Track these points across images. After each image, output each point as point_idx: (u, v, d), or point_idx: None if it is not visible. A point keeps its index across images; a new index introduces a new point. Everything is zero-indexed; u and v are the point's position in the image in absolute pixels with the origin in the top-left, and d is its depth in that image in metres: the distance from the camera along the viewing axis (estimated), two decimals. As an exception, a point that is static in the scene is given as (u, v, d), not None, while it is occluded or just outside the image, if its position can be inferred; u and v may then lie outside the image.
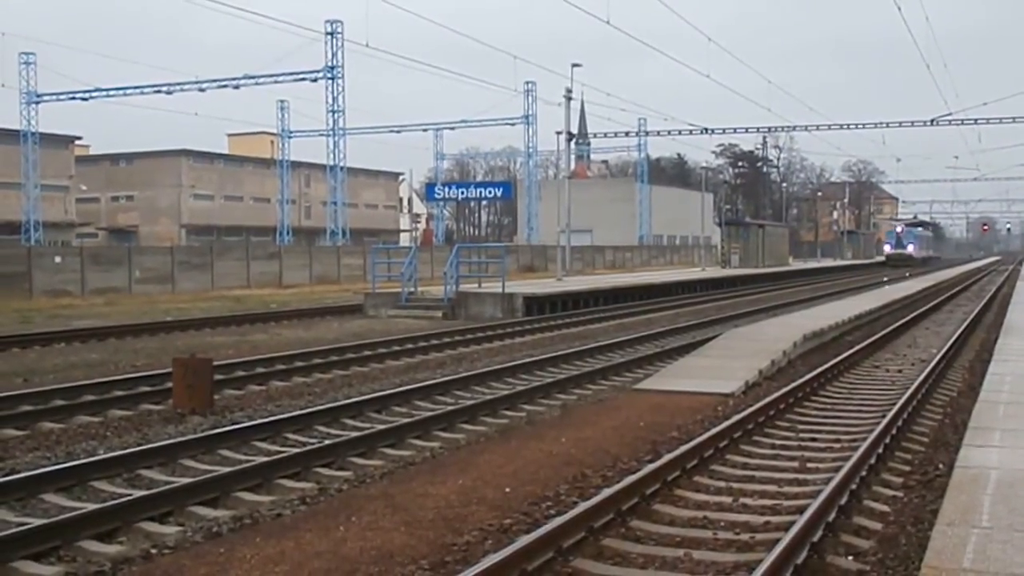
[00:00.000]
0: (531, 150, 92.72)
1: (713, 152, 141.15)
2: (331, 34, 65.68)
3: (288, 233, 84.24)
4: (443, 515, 8.92)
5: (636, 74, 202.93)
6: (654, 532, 8.57)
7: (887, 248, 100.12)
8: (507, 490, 9.77)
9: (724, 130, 66.92)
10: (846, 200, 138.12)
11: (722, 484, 10.23)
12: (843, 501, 9.05)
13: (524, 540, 7.56)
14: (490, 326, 27.83)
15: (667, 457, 10.47)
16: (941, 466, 10.75)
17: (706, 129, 62.12)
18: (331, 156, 72.27)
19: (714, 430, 11.91)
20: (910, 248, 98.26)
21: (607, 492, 8.97)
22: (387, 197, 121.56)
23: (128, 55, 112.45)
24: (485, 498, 9.47)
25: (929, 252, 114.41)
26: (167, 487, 9.73)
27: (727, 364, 18.01)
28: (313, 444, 12.00)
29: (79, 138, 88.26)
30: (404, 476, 10.57)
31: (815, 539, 7.98)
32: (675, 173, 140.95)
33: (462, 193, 48.46)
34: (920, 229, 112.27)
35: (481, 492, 9.68)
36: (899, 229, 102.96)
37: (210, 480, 9.94)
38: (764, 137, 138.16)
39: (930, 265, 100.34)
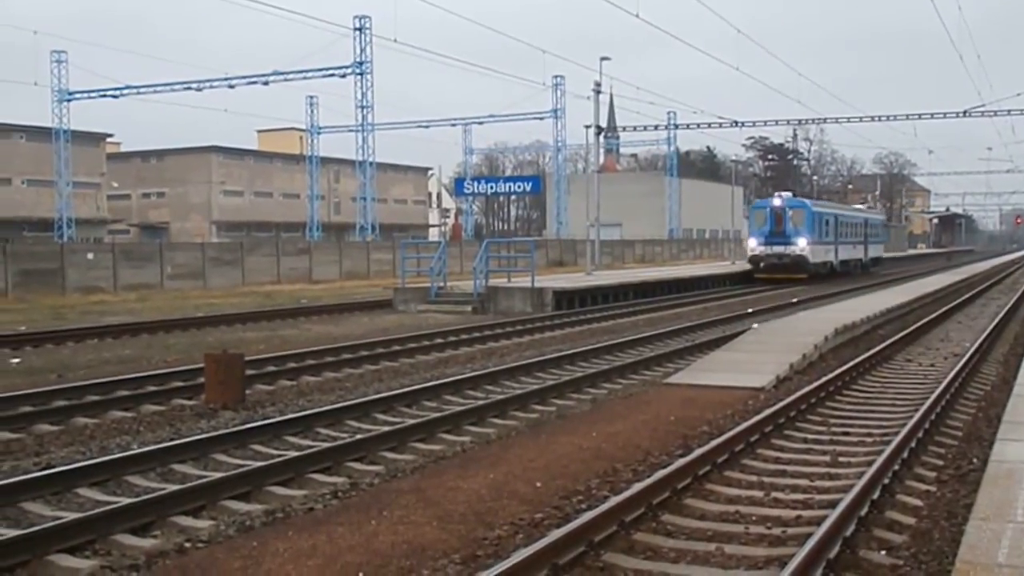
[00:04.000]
0: (560, 144, 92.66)
1: (743, 145, 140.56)
2: (359, 30, 65.79)
3: (317, 229, 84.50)
4: (474, 509, 8.93)
5: (665, 67, 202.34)
6: (685, 526, 8.55)
7: (751, 244, 50.53)
8: (538, 484, 9.78)
9: (754, 123, 66.13)
10: (877, 193, 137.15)
11: (753, 478, 10.20)
12: (876, 495, 9.00)
13: (555, 534, 7.56)
14: (520, 320, 27.84)
15: (698, 451, 10.44)
16: (975, 460, 10.68)
17: (736, 122, 61.87)
18: (360, 152, 72.48)
19: (745, 424, 11.87)
20: (801, 243, 48.41)
21: (638, 486, 8.95)
22: (416, 192, 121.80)
23: (158, 53, 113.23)
24: (516, 492, 9.48)
25: (864, 253, 61.80)
26: (200, 481, 9.80)
27: (757, 358, 17.94)
28: (344, 439, 12.05)
29: (110, 135, 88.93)
30: (435, 470, 10.59)
31: (848, 533, 7.94)
32: (705, 166, 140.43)
33: (491, 188, 48.56)
34: (830, 205, 62.54)
35: (512, 486, 9.69)
36: (776, 202, 50.89)
37: (242, 474, 10.00)
38: (794, 130, 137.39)
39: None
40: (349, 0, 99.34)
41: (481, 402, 14.61)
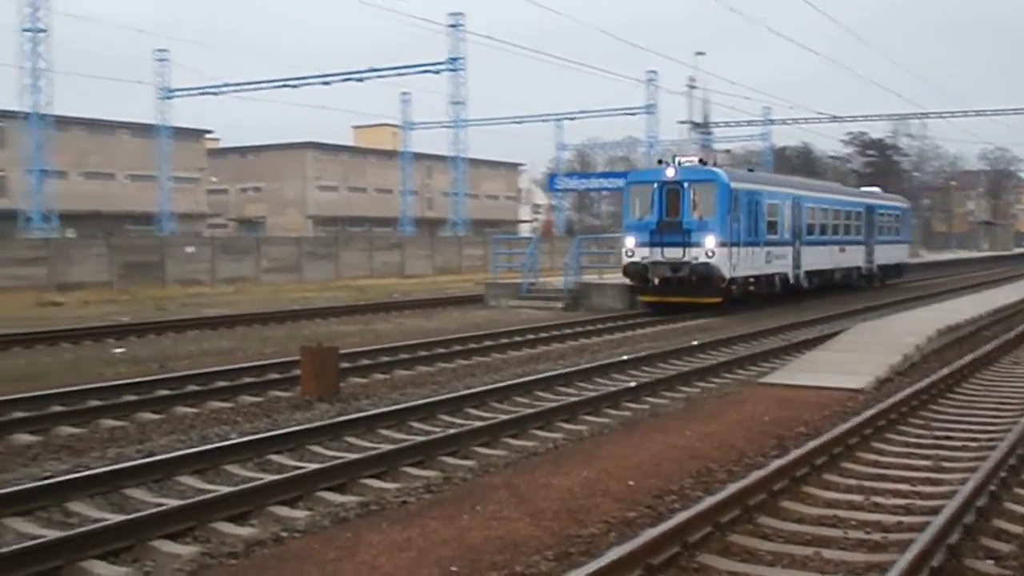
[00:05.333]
0: (652, 140, 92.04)
1: (841, 141, 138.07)
2: (454, 26, 66.13)
3: (410, 224, 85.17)
4: (567, 506, 8.89)
5: (761, 61, 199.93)
6: (782, 529, 8.41)
7: (628, 244, 29.91)
8: (631, 483, 9.70)
9: (853, 118, 65.51)
10: (982, 189, 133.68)
11: (852, 482, 9.99)
12: (981, 502, 8.75)
13: (649, 534, 7.48)
14: (611, 317, 27.73)
15: (795, 453, 10.26)
16: (1085, 468, 10.31)
17: (834, 117, 60.90)
18: (453, 147, 72.84)
19: (844, 426, 11.64)
20: (708, 243, 28.41)
21: (733, 487, 8.82)
22: (507, 188, 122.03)
23: (255, 50, 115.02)
24: (609, 490, 9.42)
25: (866, 258, 41.56)
26: (296, 472, 9.92)
27: (856, 358, 17.60)
28: (437, 433, 12.10)
29: (210, 132, 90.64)
30: (527, 466, 10.58)
31: (952, 541, 7.73)
32: (801, 163, 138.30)
33: (583, 184, 48.32)
34: (783, 181, 38.44)
35: (605, 484, 9.63)
36: (669, 172, 29.50)
37: (338, 466, 10.10)
38: (895, 125, 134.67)
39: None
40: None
41: (573, 399, 14.55)
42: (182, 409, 13.80)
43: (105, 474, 9.75)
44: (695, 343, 21.07)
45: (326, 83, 67.70)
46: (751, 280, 30.60)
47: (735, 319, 27.48)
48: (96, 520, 8.64)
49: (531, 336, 22.82)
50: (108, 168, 78.42)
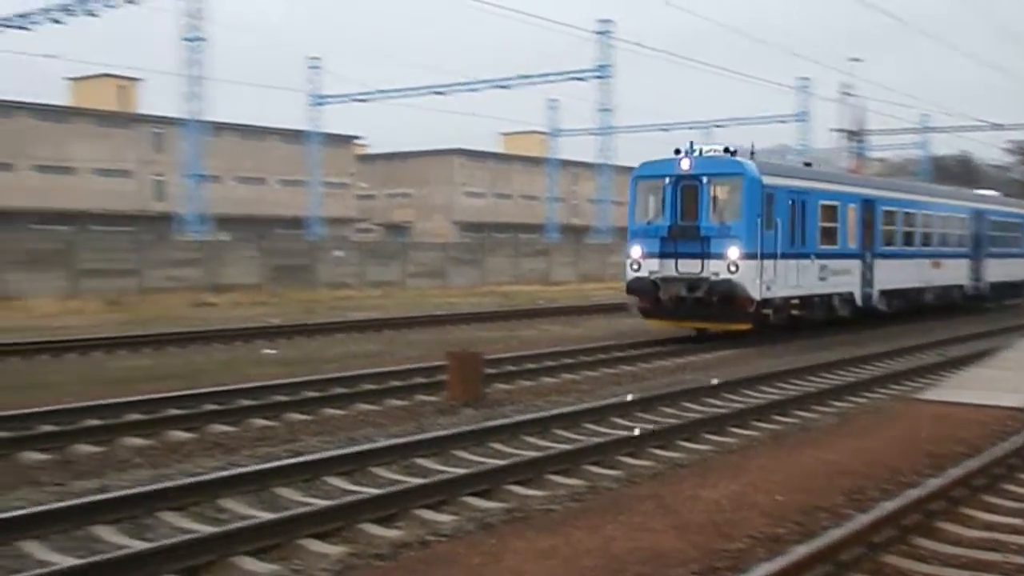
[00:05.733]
0: (804, 147, 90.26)
1: (1003, 149, 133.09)
2: (602, 33, 66.07)
3: (555, 230, 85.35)
4: (713, 520, 8.73)
5: (917, 67, 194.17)
6: (939, 552, 8.09)
7: (633, 254, 24.04)
8: (779, 498, 9.48)
9: (1016, 125, 63.02)
10: None
11: (1013, 505, 9.56)
12: None
13: (799, 551, 7.28)
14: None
15: (953, 473, 9.87)
16: None
17: (996, 125, 58.72)
18: (600, 154, 72.76)
19: (1004, 446, 11.16)
20: (731, 254, 22.42)
21: (888, 506, 8.53)
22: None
23: (403, 57, 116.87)
24: (756, 504, 9.21)
25: (973, 273, 34.59)
26: (442, 477, 9.99)
27: (1017, 376, 16.88)
28: (582, 441, 12.05)
29: (359, 138, 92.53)
30: (674, 478, 10.44)
31: (1125, 571, 7.32)
32: (960, 171, 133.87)
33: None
34: (845, 179, 30.99)
35: (752, 498, 9.43)
36: (684, 164, 23.24)
37: (483, 472, 10.14)
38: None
39: None
40: (592, 2, 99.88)
41: (720, 411, 14.33)
42: (330, 411, 14.07)
43: (255, 472, 10.01)
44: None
45: (474, 90, 68.39)
46: (794, 301, 24.48)
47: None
48: (246, 517, 8.86)
49: (676, 346, 22.59)
50: (260, 173, 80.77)
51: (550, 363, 18.94)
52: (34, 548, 7.95)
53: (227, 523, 8.61)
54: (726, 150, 23.53)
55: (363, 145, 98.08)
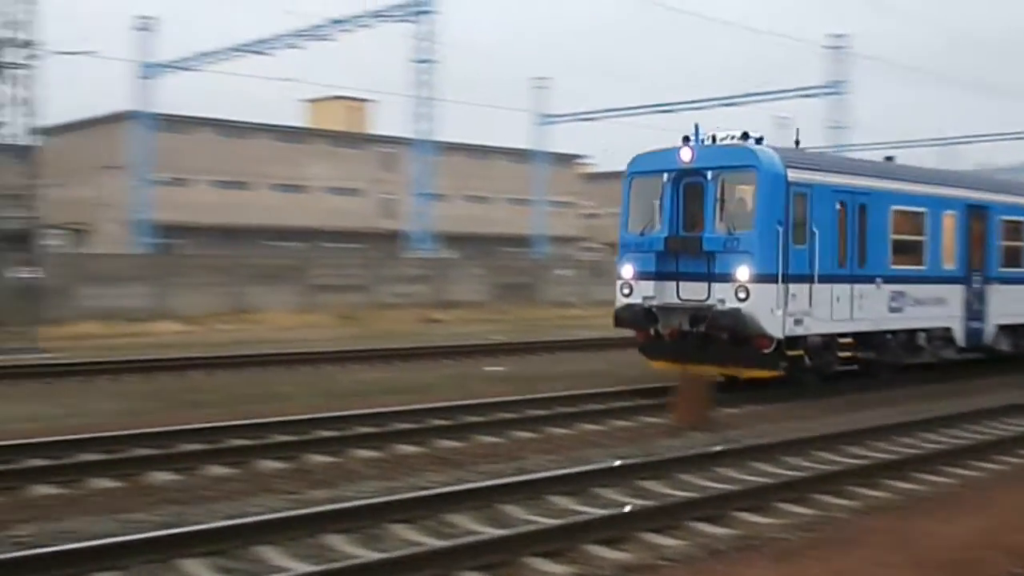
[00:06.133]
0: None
1: None
2: (835, 48, 64.32)
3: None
4: (954, 557, 8.28)
5: None
6: None
7: (623, 275, 18.61)
8: (1030, 538, 8.88)
9: None
10: None
11: None
12: None
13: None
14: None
15: None
16: None
17: None
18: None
19: None
20: (740, 275, 16.85)
21: None
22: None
23: (628, 75, 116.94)
24: (1004, 544, 8.66)
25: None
26: (668, 500, 9.82)
27: None
28: (812, 469, 11.64)
29: (583, 156, 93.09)
30: (911, 511, 9.94)
31: None
32: None
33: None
34: (909, 171, 21.85)
35: (999, 537, 8.87)
36: (684, 154, 17.90)
37: (711, 497, 9.93)
38: None
39: None
40: (823, 16, 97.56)
41: (960, 442, 13.59)
42: (554, 430, 14.10)
43: (481, 488, 10.09)
44: None
45: (700, 108, 67.74)
46: (847, 340, 18.36)
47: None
48: (471, 532, 8.93)
49: (914, 374, 21.55)
50: (486, 192, 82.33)
51: (780, 389, 18.38)
52: (270, 553, 8.24)
53: (453, 537, 8.70)
54: (744, 136, 17.88)
55: (587, 164, 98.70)
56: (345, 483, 10.85)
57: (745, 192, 17.62)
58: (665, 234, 17.90)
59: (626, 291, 18.36)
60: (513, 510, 9.76)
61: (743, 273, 16.79)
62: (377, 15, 49.09)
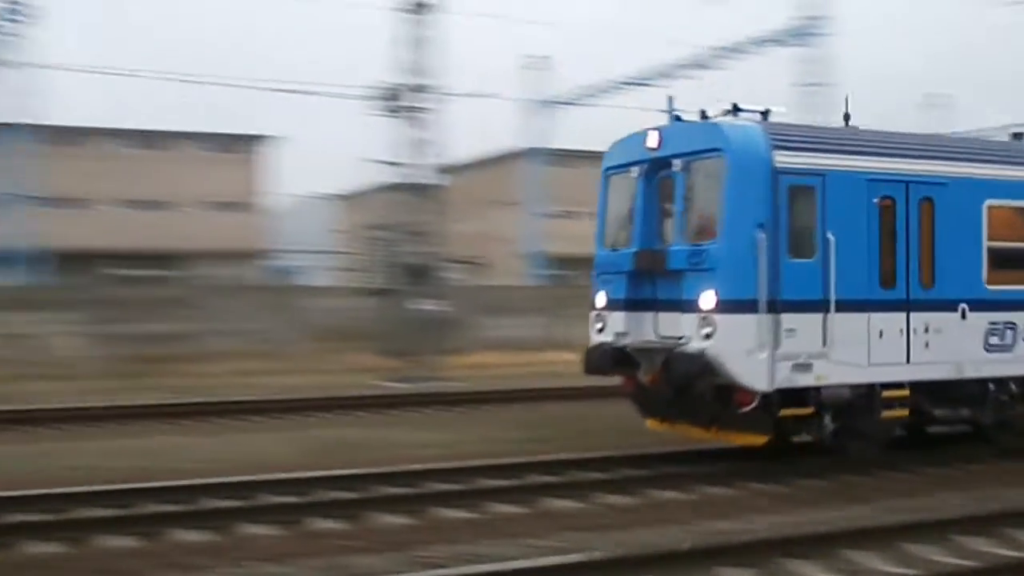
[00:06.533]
0: None
1: None
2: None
3: None
4: None
5: None
6: None
7: (598, 301, 14.04)
8: None
9: None
10: None
11: None
12: None
13: None
14: None
15: None
16: None
17: None
18: None
19: None
20: (704, 302, 12.38)
21: None
22: None
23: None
24: None
25: None
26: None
27: None
28: None
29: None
30: None
31: None
32: None
33: None
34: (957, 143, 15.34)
35: None
36: (651, 139, 13.34)
37: None
38: None
39: None
40: None
41: None
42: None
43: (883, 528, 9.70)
44: None
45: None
46: (897, 393, 13.09)
47: None
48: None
49: None
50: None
51: None
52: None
53: None
54: (735, 110, 13.29)
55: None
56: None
57: (713, 186, 12.81)
58: (635, 248, 13.60)
59: (599, 326, 14.03)
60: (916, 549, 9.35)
61: (707, 300, 12.33)
62: (764, 42, 47.79)
